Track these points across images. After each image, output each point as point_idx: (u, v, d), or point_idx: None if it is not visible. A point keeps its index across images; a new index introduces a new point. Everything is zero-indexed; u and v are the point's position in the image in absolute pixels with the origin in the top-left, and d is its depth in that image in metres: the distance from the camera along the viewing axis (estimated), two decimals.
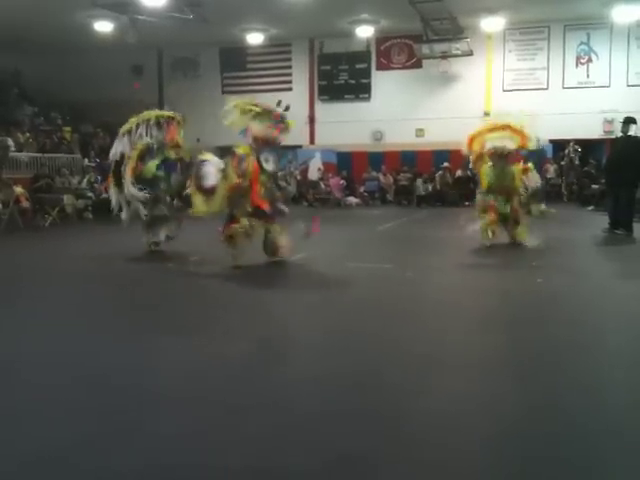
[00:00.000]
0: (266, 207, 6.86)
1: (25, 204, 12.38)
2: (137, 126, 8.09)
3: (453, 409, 3.09)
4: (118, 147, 8.19)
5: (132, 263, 7.85)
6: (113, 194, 8.39)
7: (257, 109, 6.99)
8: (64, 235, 11.34)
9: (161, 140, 8.05)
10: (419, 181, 18.32)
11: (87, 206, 14.10)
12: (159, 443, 2.74)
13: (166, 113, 8.38)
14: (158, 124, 8.12)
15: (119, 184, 8.10)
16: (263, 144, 6.99)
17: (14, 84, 19.30)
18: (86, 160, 16.76)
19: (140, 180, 7.91)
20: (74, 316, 5.11)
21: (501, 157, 8.36)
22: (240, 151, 6.93)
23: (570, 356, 3.95)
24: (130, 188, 7.86)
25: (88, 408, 3.13)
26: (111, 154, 8.30)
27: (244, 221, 6.77)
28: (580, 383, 3.48)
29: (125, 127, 8.24)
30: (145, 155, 7.97)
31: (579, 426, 2.91)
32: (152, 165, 7.94)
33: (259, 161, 6.90)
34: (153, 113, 8.31)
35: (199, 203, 6.91)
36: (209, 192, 6.82)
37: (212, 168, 6.96)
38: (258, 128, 6.96)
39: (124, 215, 8.36)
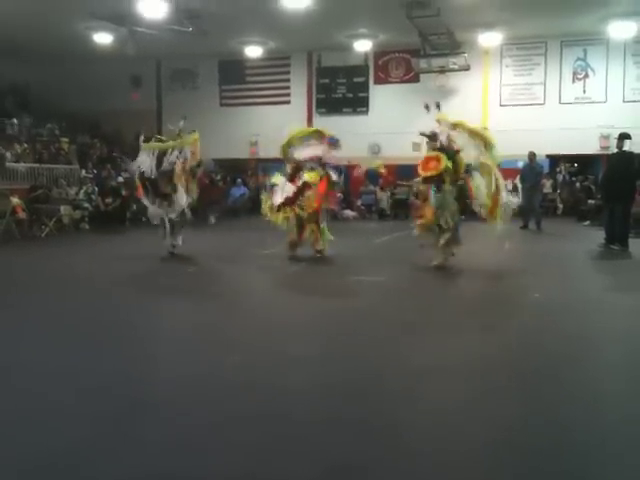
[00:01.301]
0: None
1: (22, 215, 12.36)
2: (172, 150, 8.93)
3: (452, 421, 3.08)
4: (146, 162, 8.87)
5: (134, 268, 7.84)
6: (147, 203, 9.18)
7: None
8: (61, 245, 11.32)
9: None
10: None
11: (84, 217, 14.09)
12: (156, 451, 2.73)
13: (195, 137, 9.28)
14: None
15: (147, 194, 9.05)
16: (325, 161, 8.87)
17: (12, 95, 19.30)
18: (83, 171, 16.74)
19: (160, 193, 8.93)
20: (71, 325, 5.09)
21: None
22: (311, 178, 8.64)
23: (568, 369, 3.94)
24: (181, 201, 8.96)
25: (86, 415, 3.12)
26: (143, 168, 8.92)
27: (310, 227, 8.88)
28: (578, 396, 3.48)
29: (155, 145, 9.07)
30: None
31: (577, 439, 2.90)
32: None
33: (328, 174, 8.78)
34: (193, 138, 9.26)
35: (272, 215, 8.79)
36: (280, 207, 8.62)
37: (280, 191, 8.71)
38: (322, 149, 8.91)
39: (154, 221, 9.26)
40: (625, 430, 3.04)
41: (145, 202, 9.25)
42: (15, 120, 17.63)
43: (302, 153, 9.02)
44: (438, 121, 7.96)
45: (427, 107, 8.22)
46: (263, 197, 9.21)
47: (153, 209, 9.12)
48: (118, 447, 2.78)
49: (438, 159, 7.58)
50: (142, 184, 9.12)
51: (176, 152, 8.91)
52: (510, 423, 3.08)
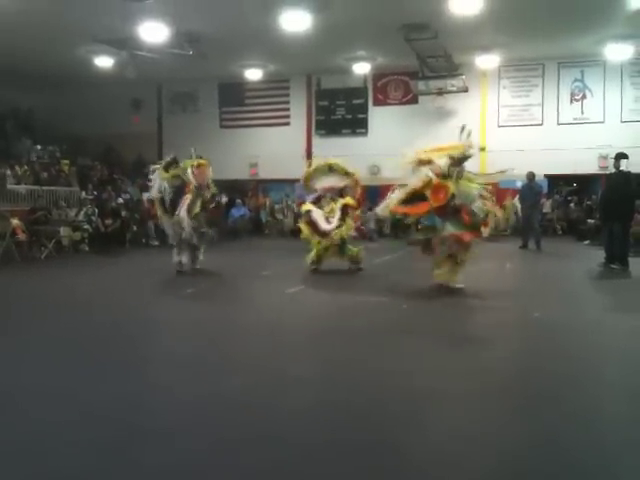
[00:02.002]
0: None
1: (22, 236, 12.37)
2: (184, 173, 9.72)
3: (453, 445, 3.06)
4: (156, 186, 9.82)
5: (133, 289, 7.83)
6: (165, 223, 10.04)
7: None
8: (60, 267, 11.31)
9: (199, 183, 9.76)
10: None
11: (84, 238, 14.10)
12: (156, 475, 2.71)
13: (199, 161, 9.88)
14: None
15: (165, 213, 9.85)
16: None
17: (12, 118, 19.42)
18: (83, 193, 16.80)
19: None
20: (70, 347, 5.07)
21: None
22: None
23: (568, 390, 3.92)
24: (186, 222, 9.58)
25: (85, 439, 3.10)
26: (155, 191, 9.91)
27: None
28: (578, 418, 3.45)
29: (170, 174, 9.77)
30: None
31: (578, 461, 2.87)
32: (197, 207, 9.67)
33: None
34: (189, 163, 9.80)
35: (310, 237, 9.75)
36: (323, 234, 9.56)
37: (318, 215, 9.72)
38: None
39: (171, 239, 10.04)
40: (626, 452, 3.01)
41: (163, 224, 10.13)
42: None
43: (322, 184, 10.10)
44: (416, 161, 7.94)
45: (463, 128, 8.16)
46: (301, 224, 10.08)
47: (171, 230, 9.89)
48: (117, 471, 2.76)
49: (446, 188, 7.56)
50: (161, 208, 9.89)
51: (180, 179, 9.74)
52: (510, 445, 3.05)
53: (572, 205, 19.37)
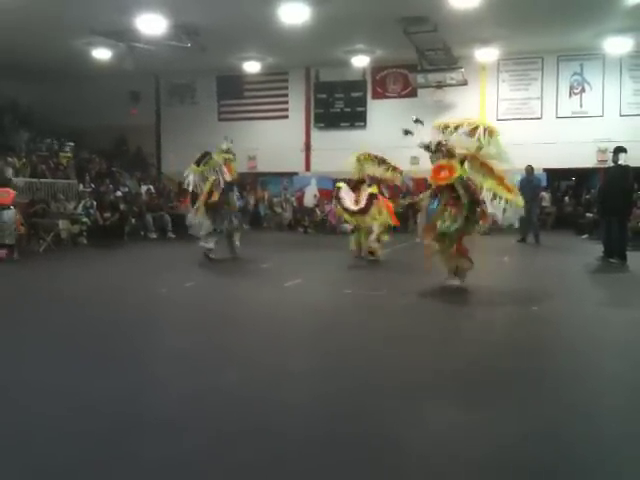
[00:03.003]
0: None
1: (20, 229, 12.33)
2: (213, 168, 10.36)
3: (451, 437, 3.06)
4: (192, 180, 10.39)
5: (131, 281, 7.83)
6: (192, 214, 10.74)
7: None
8: (59, 260, 11.30)
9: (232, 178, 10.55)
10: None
11: (82, 231, 14.07)
12: (154, 469, 2.71)
13: (226, 156, 10.58)
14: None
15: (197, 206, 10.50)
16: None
17: (10, 111, 19.37)
18: (82, 185, 16.76)
19: (211, 205, 10.29)
20: (69, 341, 5.07)
21: None
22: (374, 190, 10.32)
23: (567, 383, 3.93)
24: (200, 213, 10.34)
25: (83, 433, 3.10)
26: (191, 186, 10.47)
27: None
28: (577, 410, 3.46)
29: (200, 169, 10.41)
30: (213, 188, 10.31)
31: (577, 454, 2.88)
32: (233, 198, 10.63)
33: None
34: (222, 157, 10.49)
35: (346, 217, 10.65)
36: (358, 212, 10.16)
37: (346, 194, 10.41)
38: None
39: (198, 230, 10.58)
40: (625, 445, 3.02)
41: (191, 215, 10.84)
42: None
43: (368, 172, 10.75)
44: (438, 127, 7.51)
45: (408, 132, 8.04)
46: (334, 202, 10.96)
47: (202, 220, 10.43)
48: (115, 465, 2.76)
49: (450, 168, 7.15)
50: (192, 199, 10.66)
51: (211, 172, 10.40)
52: (509, 437, 3.06)
53: (566, 199, 19.40)
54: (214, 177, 10.30)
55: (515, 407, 3.51)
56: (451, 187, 7.18)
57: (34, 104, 19.66)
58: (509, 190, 7.17)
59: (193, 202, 10.63)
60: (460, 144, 7.31)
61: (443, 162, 7.27)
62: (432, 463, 2.81)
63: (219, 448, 2.94)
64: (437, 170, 7.30)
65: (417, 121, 7.84)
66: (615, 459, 2.86)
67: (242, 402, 3.56)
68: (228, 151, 10.71)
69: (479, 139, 7.13)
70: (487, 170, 7.16)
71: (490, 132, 7.20)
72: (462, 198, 7.11)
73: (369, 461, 2.80)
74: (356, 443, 3.00)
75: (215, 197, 10.23)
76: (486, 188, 7.04)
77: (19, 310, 6.46)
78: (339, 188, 10.63)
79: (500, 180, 7.16)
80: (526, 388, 3.86)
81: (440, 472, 2.72)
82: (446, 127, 7.39)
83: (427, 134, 7.65)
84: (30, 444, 2.97)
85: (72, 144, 19.34)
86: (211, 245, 10.39)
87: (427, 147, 7.57)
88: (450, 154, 7.28)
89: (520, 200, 7.23)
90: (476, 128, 7.20)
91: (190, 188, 10.51)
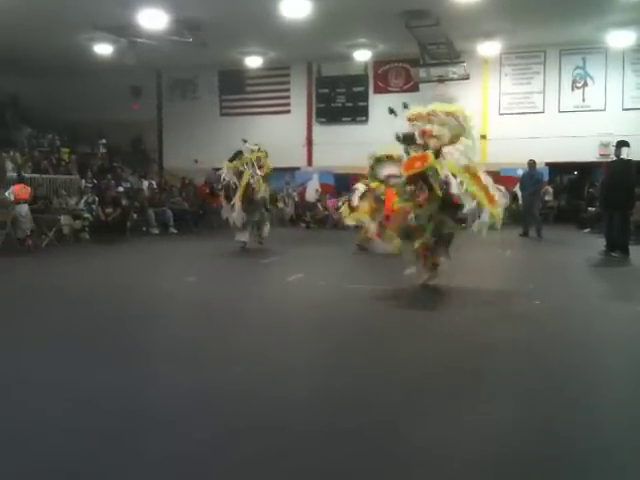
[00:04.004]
0: None
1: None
2: (246, 164, 11.08)
3: (452, 431, 3.06)
4: (227, 176, 11.21)
5: (133, 277, 7.84)
6: (227, 209, 11.32)
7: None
8: (61, 255, 11.31)
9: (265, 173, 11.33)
10: None
11: (84, 227, 14.08)
12: (157, 464, 2.72)
13: (259, 154, 11.29)
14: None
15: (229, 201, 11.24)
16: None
17: (12, 106, 19.36)
18: (84, 181, 16.76)
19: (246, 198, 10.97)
20: (70, 336, 5.08)
21: None
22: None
23: (569, 377, 3.93)
24: (237, 207, 10.97)
25: (86, 428, 3.11)
26: (225, 180, 11.31)
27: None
28: (579, 404, 3.46)
29: (233, 164, 11.19)
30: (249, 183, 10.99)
31: (578, 449, 2.88)
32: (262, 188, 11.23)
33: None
34: (254, 155, 11.19)
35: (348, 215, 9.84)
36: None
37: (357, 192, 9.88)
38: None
39: (235, 223, 11.20)
40: (627, 439, 3.02)
41: (225, 209, 11.39)
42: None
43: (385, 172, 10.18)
44: (409, 119, 7.18)
45: (392, 111, 7.66)
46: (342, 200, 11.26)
47: (237, 214, 11.01)
48: (118, 461, 2.77)
49: (424, 158, 6.78)
50: (225, 194, 11.34)
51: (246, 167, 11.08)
52: (510, 431, 3.06)
53: (565, 195, 19.40)
54: (249, 171, 10.94)
55: (515, 401, 3.51)
56: (424, 178, 6.77)
57: (35, 99, 19.65)
58: (490, 200, 6.74)
59: (227, 197, 11.27)
60: (436, 132, 6.92)
61: (418, 154, 6.94)
62: (432, 456, 2.82)
63: (223, 443, 2.94)
64: (411, 161, 6.96)
65: (392, 112, 7.57)
66: (617, 453, 2.86)
67: (245, 397, 3.57)
68: (260, 150, 11.39)
69: (462, 123, 6.92)
70: (473, 176, 6.80)
71: (466, 119, 6.98)
72: (434, 190, 6.68)
73: (372, 455, 2.80)
74: (358, 437, 3.00)
75: (251, 190, 10.85)
76: (467, 189, 6.66)
77: (21, 305, 6.47)
78: (356, 189, 10.08)
79: (484, 189, 6.79)
80: (526, 381, 3.86)
81: (440, 465, 2.72)
82: (419, 116, 7.08)
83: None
84: (31, 440, 2.98)
85: (104, 141, 20.00)
86: (245, 238, 11.13)
87: (399, 138, 7.27)
88: (424, 146, 6.94)
89: (500, 213, 6.80)
90: (452, 113, 6.97)
91: (224, 182, 11.26)
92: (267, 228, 11.59)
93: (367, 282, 7.87)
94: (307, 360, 4.41)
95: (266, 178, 11.48)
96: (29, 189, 12.57)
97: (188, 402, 3.50)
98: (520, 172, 15.49)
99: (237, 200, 11.01)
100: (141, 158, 21.84)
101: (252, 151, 11.31)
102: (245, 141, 11.66)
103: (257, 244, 11.41)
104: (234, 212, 11.09)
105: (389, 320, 5.70)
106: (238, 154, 11.27)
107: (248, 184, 10.98)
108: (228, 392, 3.66)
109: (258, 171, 11.03)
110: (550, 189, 18.30)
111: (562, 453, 2.82)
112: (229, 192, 11.25)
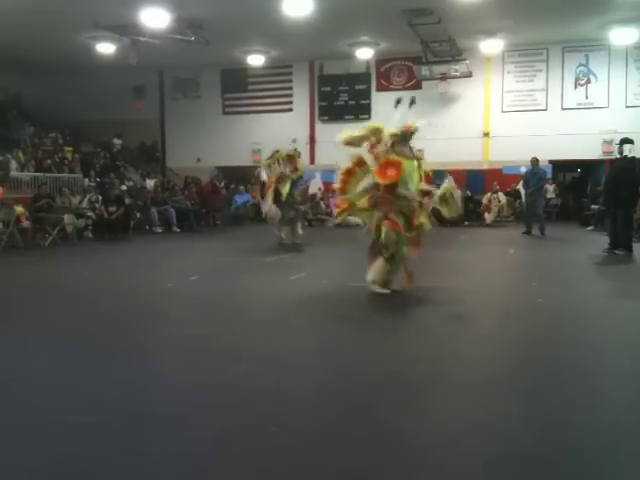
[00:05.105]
0: None
1: (25, 224, 12.39)
2: (277, 161, 11.43)
3: (453, 432, 3.06)
4: (263, 173, 11.79)
5: (134, 276, 7.85)
6: (264, 204, 11.71)
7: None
8: (64, 254, 11.34)
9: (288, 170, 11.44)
10: None
11: (87, 225, 14.12)
12: (159, 462, 2.72)
13: (289, 152, 11.67)
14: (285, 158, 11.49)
15: (263, 197, 11.74)
16: None
17: (14, 105, 19.40)
18: (87, 180, 16.80)
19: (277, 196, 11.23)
20: (74, 334, 5.09)
21: None
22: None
23: (571, 375, 3.92)
24: (269, 203, 11.32)
25: (87, 426, 3.11)
26: (261, 178, 11.87)
27: None
28: (581, 402, 3.46)
29: (267, 162, 11.84)
30: (279, 181, 11.27)
31: (579, 446, 2.88)
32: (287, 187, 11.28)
33: None
34: (284, 152, 11.54)
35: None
36: None
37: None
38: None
39: (273, 220, 11.60)
40: (628, 437, 3.02)
41: (265, 206, 11.67)
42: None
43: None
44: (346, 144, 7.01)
45: (399, 102, 7.23)
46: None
47: (274, 210, 11.33)
48: (120, 459, 2.77)
49: (398, 166, 6.40)
50: (260, 191, 11.90)
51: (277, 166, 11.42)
52: (511, 429, 3.06)
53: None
54: (280, 170, 11.26)
55: (517, 399, 3.51)
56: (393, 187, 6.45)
57: (38, 98, 19.69)
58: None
59: (261, 194, 11.79)
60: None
61: (393, 159, 6.50)
62: (432, 454, 2.82)
63: (225, 441, 2.95)
64: (384, 166, 6.52)
65: (398, 103, 7.44)
66: (617, 451, 2.86)
67: (247, 395, 3.57)
68: (295, 150, 12.03)
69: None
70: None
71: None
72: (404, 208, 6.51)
73: (371, 452, 2.80)
74: (359, 434, 3.00)
75: (280, 188, 11.06)
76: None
77: (24, 304, 6.49)
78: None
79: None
80: (528, 379, 3.86)
81: (442, 465, 2.72)
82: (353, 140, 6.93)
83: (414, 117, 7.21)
84: (34, 438, 2.98)
85: (120, 141, 20.28)
86: (283, 234, 11.50)
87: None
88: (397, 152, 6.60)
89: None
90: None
91: (261, 180, 11.78)
92: (300, 225, 11.81)
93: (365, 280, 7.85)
94: (307, 357, 4.41)
95: (293, 179, 11.53)
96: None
97: (192, 400, 3.50)
98: (523, 170, 15.48)
99: (268, 197, 11.31)
100: (145, 157, 21.88)
101: (289, 150, 11.72)
102: (294, 140, 12.82)
103: (292, 241, 11.49)
104: (269, 209, 11.42)
105: (392, 318, 5.70)
106: (274, 153, 11.64)
107: (277, 182, 11.24)
108: (231, 390, 3.67)
109: (287, 168, 11.28)
110: (550, 187, 18.27)
111: (562, 453, 2.82)
112: (264, 189, 11.62)
